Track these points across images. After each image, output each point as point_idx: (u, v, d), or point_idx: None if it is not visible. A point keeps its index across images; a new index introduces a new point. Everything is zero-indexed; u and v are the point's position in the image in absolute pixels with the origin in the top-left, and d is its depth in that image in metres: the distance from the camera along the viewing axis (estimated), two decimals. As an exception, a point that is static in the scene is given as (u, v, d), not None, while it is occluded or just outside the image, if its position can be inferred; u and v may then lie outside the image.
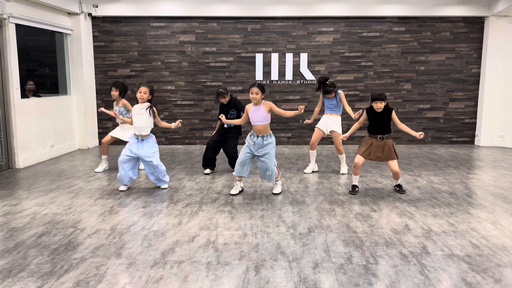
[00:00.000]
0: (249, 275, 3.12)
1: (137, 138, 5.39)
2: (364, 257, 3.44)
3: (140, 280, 3.04)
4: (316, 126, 6.50)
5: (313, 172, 6.61)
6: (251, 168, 5.39)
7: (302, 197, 5.19)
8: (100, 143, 9.26)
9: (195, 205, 4.85)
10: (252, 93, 5.06)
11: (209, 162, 6.53)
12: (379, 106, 5.15)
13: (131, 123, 5.53)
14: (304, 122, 6.59)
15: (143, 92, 5.33)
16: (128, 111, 6.41)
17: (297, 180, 6.05)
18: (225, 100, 6.38)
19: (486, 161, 7.50)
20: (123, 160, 5.35)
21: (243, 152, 5.20)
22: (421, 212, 4.60)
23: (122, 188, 5.51)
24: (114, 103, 6.62)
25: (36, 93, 7.80)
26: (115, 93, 6.46)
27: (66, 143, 8.37)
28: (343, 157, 6.50)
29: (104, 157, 6.70)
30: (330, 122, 6.38)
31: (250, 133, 5.24)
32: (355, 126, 5.56)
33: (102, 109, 6.45)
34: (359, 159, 5.33)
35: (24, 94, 7.29)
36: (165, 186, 5.64)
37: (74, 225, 4.18)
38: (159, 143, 9.19)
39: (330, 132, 6.38)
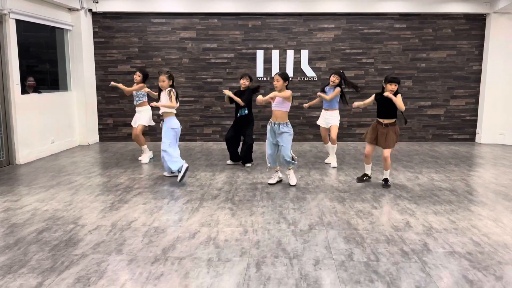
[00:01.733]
0: (250, 272, 3.12)
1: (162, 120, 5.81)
2: (365, 254, 3.44)
3: (141, 277, 3.04)
4: (317, 123, 6.92)
5: (334, 168, 6.76)
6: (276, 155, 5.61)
7: (303, 194, 5.18)
8: (100, 139, 9.25)
9: (196, 202, 4.84)
10: (274, 80, 5.45)
11: (232, 155, 6.79)
12: (393, 88, 5.25)
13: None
14: (304, 106, 6.97)
15: (161, 80, 5.70)
16: (144, 94, 6.94)
17: (298, 177, 6.04)
18: (244, 82, 6.44)
19: (487, 159, 7.49)
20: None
21: (268, 144, 5.54)
22: (422, 209, 4.59)
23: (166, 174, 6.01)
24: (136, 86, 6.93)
25: (36, 89, 7.78)
26: (138, 77, 6.86)
27: (67, 139, 8.36)
28: (334, 148, 6.70)
29: (143, 147, 7.06)
30: (328, 117, 6.69)
31: (269, 121, 5.53)
32: (365, 103, 5.64)
33: (113, 83, 6.94)
34: (368, 148, 5.56)
35: (24, 90, 7.27)
36: (166, 174, 5.94)
37: (75, 221, 4.18)
38: (160, 139, 9.20)
39: (329, 126, 6.69)
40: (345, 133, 9.30)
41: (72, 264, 3.24)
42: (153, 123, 7.11)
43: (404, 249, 3.54)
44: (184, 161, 5.68)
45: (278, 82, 5.38)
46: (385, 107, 5.39)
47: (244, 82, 6.46)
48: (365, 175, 5.78)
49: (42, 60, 8.54)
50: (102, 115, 9.22)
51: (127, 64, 9.12)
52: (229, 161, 6.90)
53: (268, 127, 5.51)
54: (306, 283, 2.95)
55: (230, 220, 4.23)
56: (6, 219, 4.24)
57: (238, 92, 6.51)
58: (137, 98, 6.94)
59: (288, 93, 5.35)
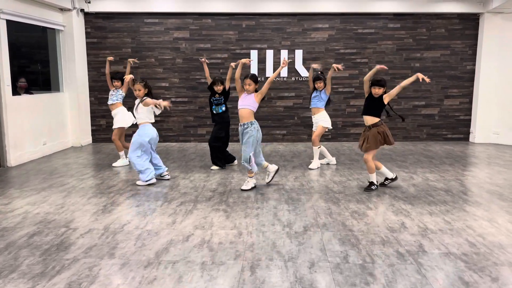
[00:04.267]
0: (244, 275, 3.08)
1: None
2: (361, 256, 3.41)
3: (133, 281, 2.99)
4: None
5: (328, 164, 6.90)
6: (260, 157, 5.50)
7: (297, 195, 5.15)
8: (93, 140, 9.17)
9: (190, 204, 4.80)
10: (245, 84, 5.27)
11: (219, 159, 6.66)
12: (377, 92, 5.16)
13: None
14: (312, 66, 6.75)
15: (137, 89, 5.56)
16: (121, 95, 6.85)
17: (293, 178, 6.02)
18: (218, 88, 6.38)
19: (481, 158, 7.50)
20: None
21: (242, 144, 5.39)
22: (417, 210, 4.58)
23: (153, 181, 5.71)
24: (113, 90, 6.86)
25: (28, 90, 7.69)
26: (117, 83, 6.78)
27: (59, 140, 8.28)
28: (316, 151, 6.65)
29: (120, 153, 6.88)
30: (316, 121, 6.66)
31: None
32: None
33: (110, 58, 6.95)
34: (365, 154, 5.35)
35: (15, 91, 7.19)
36: (139, 182, 5.62)
37: (67, 225, 4.12)
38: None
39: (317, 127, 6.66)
40: (340, 133, 9.28)
41: (64, 269, 3.18)
42: (129, 124, 6.75)
43: (400, 250, 3.52)
44: (153, 171, 5.65)
45: (250, 86, 5.25)
46: (369, 103, 5.23)
47: (219, 89, 6.37)
48: (385, 178, 5.56)
49: (33, 61, 8.45)
50: (95, 116, 9.14)
51: (120, 64, 9.04)
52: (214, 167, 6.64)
53: (239, 129, 5.40)
54: (301, 286, 2.91)
55: (224, 223, 4.19)
56: (-3, 223, 4.17)
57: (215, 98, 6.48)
58: (114, 98, 6.75)
59: (260, 94, 5.30)
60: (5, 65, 6.67)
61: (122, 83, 6.75)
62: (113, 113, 6.80)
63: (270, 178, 5.63)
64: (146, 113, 5.60)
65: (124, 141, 6.91)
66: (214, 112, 6.46)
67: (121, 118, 6.72)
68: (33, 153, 7.39)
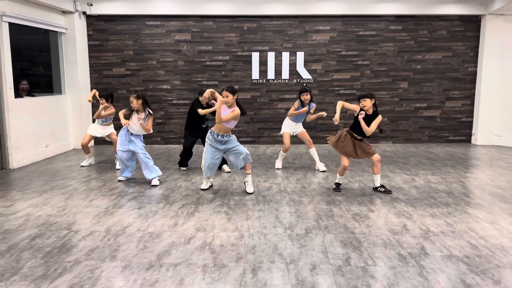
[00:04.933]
0: (246, 278, 3.07)
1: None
2: (362, 258, 3.40)
3: (135, 283, 2.99)
4: (282, 132, 6.72)
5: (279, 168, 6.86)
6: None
7: (299, 197, 5.15)
8: (95, 142, 9.18)
9: (191, 206, 4.80)
10: (223, 96, 5.10)
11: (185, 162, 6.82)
12: (365, 104, 5.06)
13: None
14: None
15: (131, 102, 5.68)
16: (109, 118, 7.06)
17: (294, 180, 6.01)
18: (204, 99, 6.24)
19: (483, 160, 7.48)
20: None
21: (209, 156, 5.31)
22: (419, 212, 4.57)
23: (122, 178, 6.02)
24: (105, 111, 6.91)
25: (30, 93, 7.71)
26: (103, 101, 6.81)
27: (61, 143, 8.29)
28: (314, 151, 6.72)
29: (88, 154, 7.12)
30: (295, 128, 6.68)
31: (210, 131, 5.35)
32: (340, 105, 5.38)
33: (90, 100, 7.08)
34: (346, 161, 5.26)
35: (18, 94, 7.21)
36: (155, 182, 5.78)
37: (68, 227, 4.12)
38: (154, 142, 9.16)
39: (297, 134, 6.70)
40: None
41: (65, 271, 3.18)
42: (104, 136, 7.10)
43: (402, 253, 3.51)
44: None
45: (228, 98, 5.06)
46: (359, 126, 5.11)
47: (203, 99, 6.26)
48: (338, 184, 5.49)
49: (35, 63, 8.46)
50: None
51: (121, 67, 9.07)
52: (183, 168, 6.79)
53: (210, 137, 5.30)
54: (303, 289, 2.91)
55: (226, 225, 4.19)
56: (-1, 225, 4.18)
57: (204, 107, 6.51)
58: (109, 119, 7.06)
59: (236, 112, 5.11)
60: (7, 68, 6.69)
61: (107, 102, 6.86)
62: (103, 127, 7.05)
63: (251, 188, 5.45)
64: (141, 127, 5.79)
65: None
66: (203, 126, 6.57)
67: (107, 131, 7.06)
68: (35, 155, 7.41)
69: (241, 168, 5.39)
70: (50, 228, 4.09)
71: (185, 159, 6.75)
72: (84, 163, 7.05)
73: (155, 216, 4.46)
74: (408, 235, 3.91)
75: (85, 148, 6.96)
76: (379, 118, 5.11)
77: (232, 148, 5.28)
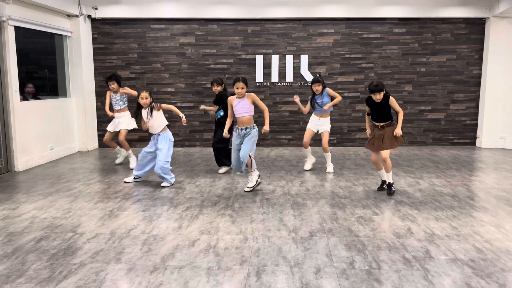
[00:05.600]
0: (250, 281, 3.08)
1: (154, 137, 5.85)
2: (367, 261, 3.40)
3: (140, 286, 3.00)
4: (308, 127, 6.72)
5: (311, 169, 6.84)
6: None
7: (303, 200, 5.15)
8: (100, 145, 9.22)
9: (196, 209, 4.81)
10: (237, 88, 5.30)
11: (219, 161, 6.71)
12: (378, 98, 5.12)
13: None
14: (294, 98, 6.71)
15: (144, 98, 5.64)
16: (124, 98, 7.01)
17: (298, 183, 6.01)
18: (216, 89, 6.49)
19: (488, 163, 7.45)
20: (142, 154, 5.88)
21: (234, 151, 5.46)
22: (424, 215, 4.56)
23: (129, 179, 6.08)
24: (112, 94, 6.99)
25: (36, 96, 7.76)
26: (114, 85, 6.85)
27: (66, 145, 8.34)
28: (328, 156, 6.66)
29: (129, 152, 7.18)
30: (320, 124, 6.59)
31: (235, 128, 5.50)
32: (367, 119, 5.55)
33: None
34: (372, 155, 5.39)
35: (23, 97, 7.26)
36: (165, 184, 5.84)
37: (73, 229, 4.14)
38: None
39: (321, 133, 6.62)
40: (345, 138, 9.27)
41: (70, 273, 3.20)
42: (134, 127, 7.10)
43: (406, 256, 3.50)
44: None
45: (243, 90, 5.32)
46: (377, 111, 5.24)
47: (215, 89, 6.51)
48: (383, 182, 5.52)
49: (41, 67, 8.53)
50: (101, 121, 9.19)
51: (126, 70, 9.11)
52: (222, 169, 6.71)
53: (235, 134, 5.48)
54: (307, 292, 2.91)
55: (230, 228, 4.19)
56: (4, 228, 4.20)
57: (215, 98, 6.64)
58: (121, 103, 6.98)
59: (253, 96, 5.36)
60: (13, 71, 6.75)
61: (119, 85, 6.91)
62: (118, 115, 7.00)
63: (252, 183, 5.53)
64: (162, 118, 5.76)
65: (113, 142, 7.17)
66: (216, 118, 6.58)
67: (126, 120, 6.99)
68: (40, 158, 7.45)
69: (242, 171, 5.49)
70: (55, 231, 4.11)
71: (218, 159, 6.66)
72: (118, 160, 7.33)
73: (160, 218, 4.47)
74: (413, 238, 3.90)
75: (109, 143, 7.09)
76: (391, 99, 5.18)
77: (246, 139, 5.35)
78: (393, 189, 5.37)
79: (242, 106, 5.35)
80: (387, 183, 5.42)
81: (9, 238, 3.92)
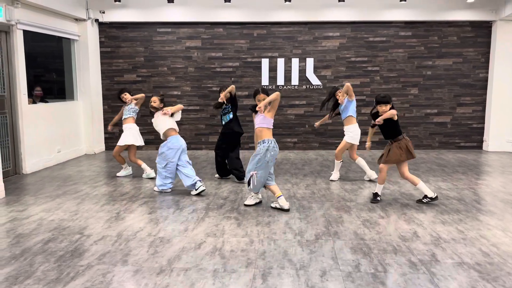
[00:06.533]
0: (256, 283, 3.09)
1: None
2: (373, 264, 3.40)
3: (146, 288, 3.02)
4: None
5: (370, 180, 6.44)
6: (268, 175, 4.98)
7: (309, 203, 5.15)
8: (106, 148, 9.28)
9: (202, 211, 4.83)
10: (259, 101, 4.90)
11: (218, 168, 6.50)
12: (383, 109, 4.99)
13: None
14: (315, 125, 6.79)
15: (153, 101, 5.74)
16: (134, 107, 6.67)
17: (304, 186, 6.02)
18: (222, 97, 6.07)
19: (494, 167, 7.42)
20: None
21: (265, 172, 4.85)
22: (430, 219, 4.54)
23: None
24: (125, 107, 6.62)
25: (43, 99, 7.84)
26: (126, 96, 6.53)
27: (73, 148, 8.40)
28: (337, 164, 6.39)
29: (124, 165, 6.73)
30: (345, 130, 6.30)
31: (267, 146, 4.81)
32: (370, 132, 5.61)
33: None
34: (381, 164, 5.16)
35: (32, 100, 7.33)
36: (156, 189, 5.78)
37: (81, 231, 4.18)
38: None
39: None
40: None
41: (78, 275, 3.23)
42: (142, 143, 6.65)
43: (412, 259, 3.50)
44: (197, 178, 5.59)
45: (265, 100, 4.80)
46: (382, 128, 5.12)
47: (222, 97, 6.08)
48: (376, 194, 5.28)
49: (49, 70, 8.61)
50: (108, 124, 9.24)
51: (133, 73, 9.18)
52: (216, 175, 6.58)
53: (270, 148, 4.79)
54: (312, 295, 2.92)
55: (236, 230, 4.21)
56: (12, 229, 4.25)
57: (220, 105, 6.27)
58: (127, 112, 6.57)
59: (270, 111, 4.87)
60: (21, 75, 6.82)
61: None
62: (123, 127, 6.57)
63: (274, 205, 4.96)
64: (162, 123, 5.63)
65: (135, 158, 6.60)
66: (223, 122, 6.27)
67: (125, 135, 6.47)
68: (48, 160, 7.51)
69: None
70: (62, 233, 4.14)
71: (216, 164, 6.48)
72: (121, 173, 6.73)
73: (166, 221, 4.49)
74: (419, 241, 3.89)
75: (117, 158, 6.61)
76: (389, 112, 4.96)
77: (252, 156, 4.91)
78: (378, 199, 5.21)
79: (259, 117, 4.89)
80: (374, 192, 5.29)
81: (17, 240, 3.96)
